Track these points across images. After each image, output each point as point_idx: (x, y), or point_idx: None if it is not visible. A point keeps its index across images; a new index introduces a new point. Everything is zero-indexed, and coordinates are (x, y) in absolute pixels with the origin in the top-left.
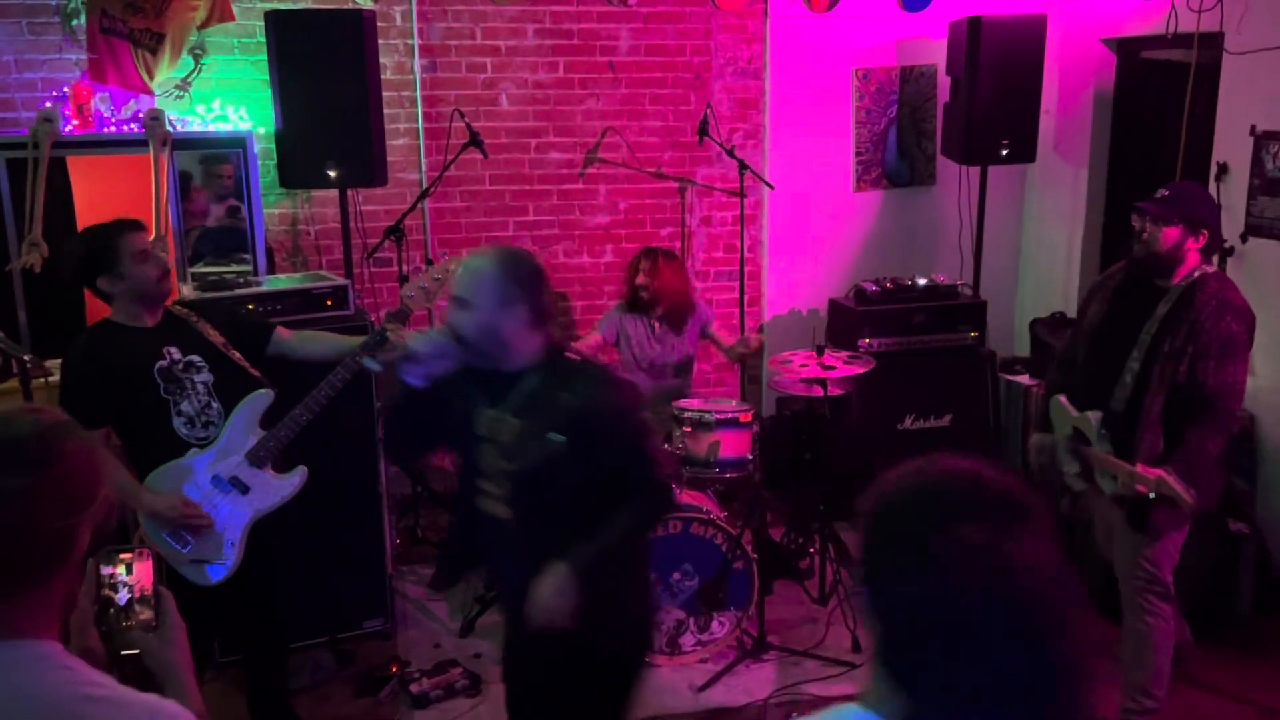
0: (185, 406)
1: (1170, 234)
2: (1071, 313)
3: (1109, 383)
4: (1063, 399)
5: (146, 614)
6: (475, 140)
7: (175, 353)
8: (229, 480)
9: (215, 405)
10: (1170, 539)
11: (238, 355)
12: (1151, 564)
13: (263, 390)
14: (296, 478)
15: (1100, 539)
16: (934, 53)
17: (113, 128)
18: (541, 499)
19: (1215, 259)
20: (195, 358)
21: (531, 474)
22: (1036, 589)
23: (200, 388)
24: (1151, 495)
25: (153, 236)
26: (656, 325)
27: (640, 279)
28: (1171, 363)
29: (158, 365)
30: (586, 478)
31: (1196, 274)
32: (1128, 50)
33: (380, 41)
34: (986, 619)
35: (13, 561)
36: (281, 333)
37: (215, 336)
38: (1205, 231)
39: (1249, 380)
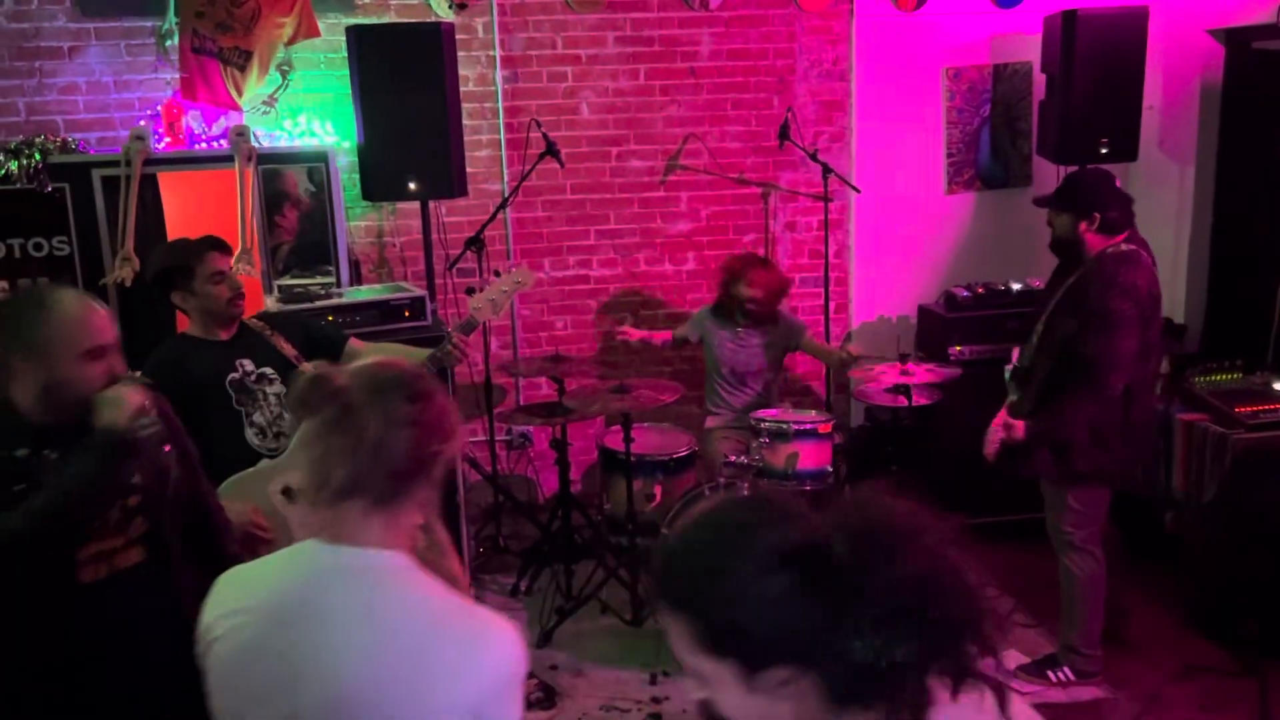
0: (258, 418)
1: (1063, 221)
2: (1179, 319)
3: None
4: (1014, 355)
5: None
6: (552, 150)
7: (248, 365)
8: (298, 492)
9: (288, 416)
10: (1080, 498)
11: (309, 367)
12: (1064, 521)
13: None
14: None
15: None
16: (1028, 49)
17: (204, 144)
18: None
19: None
20: (267, 370)
21: None
22: (915, 541)
23: (272, 399)
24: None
25: (238, 250)
26: (740, 331)
27: (753, 291)
28: (1059, 331)
29: (230, 378)
30: None
31: (1104, 251)
32: (1236, 41)
33: (462, 53)
34: (911, 585)
35: (401, 473)
36: (355, 344)
37: (288, 349)
38: (1095, 215)
39: None
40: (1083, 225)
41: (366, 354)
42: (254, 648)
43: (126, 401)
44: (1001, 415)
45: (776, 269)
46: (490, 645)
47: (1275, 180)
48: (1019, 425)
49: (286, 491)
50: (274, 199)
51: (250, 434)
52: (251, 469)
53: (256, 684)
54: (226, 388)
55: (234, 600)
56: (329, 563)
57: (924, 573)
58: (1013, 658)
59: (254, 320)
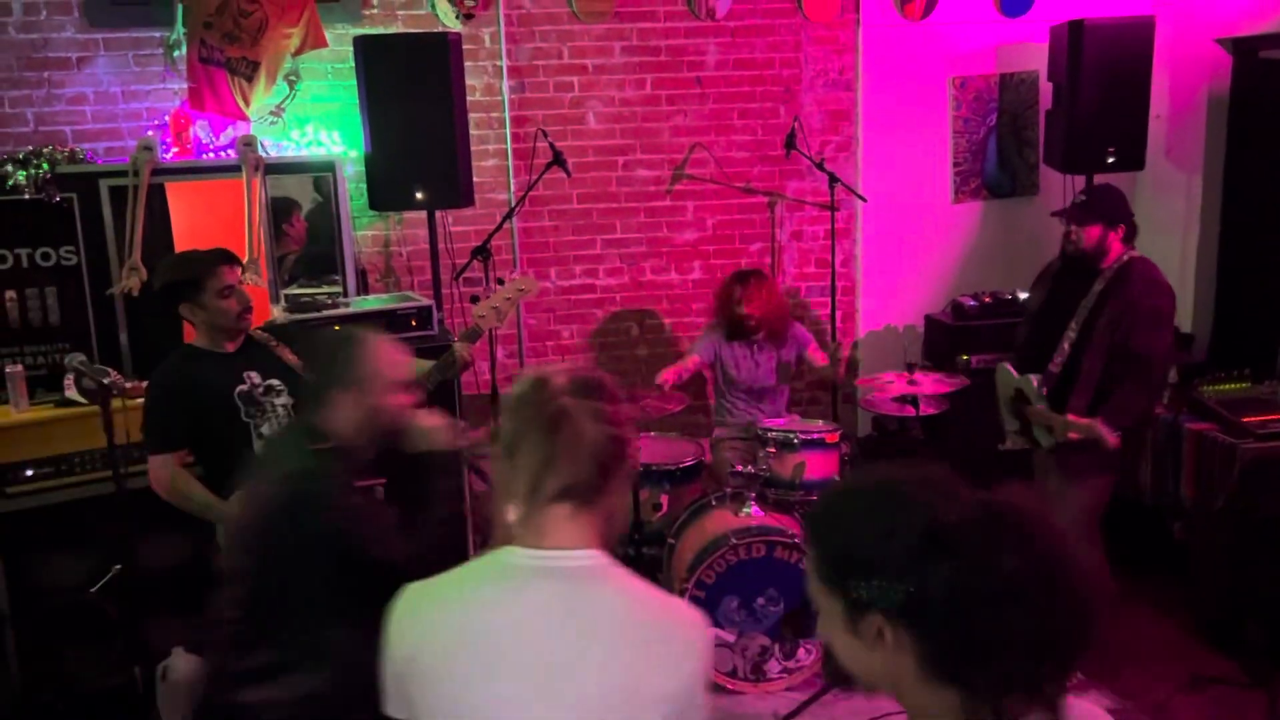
0: (266, 429)
1: (1092, 232)
2: (1186, 329)
3: (1048, 351)
4: (1007, 364)
5: None
6: (559, 160)
7: (255, 377)
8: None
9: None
10: (1100, 488)
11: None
12: (1085, 512)
13: None
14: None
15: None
16: (1035, 58)
17: (211, 154)
18: None
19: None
20: (275, 381)
21: None
22: (1042, 537)
23: (280, 410)
24: (1079, 439)
25: (246, 260)
26: (755, 348)
27: (745, 309)
28: (1108, 332)
29: (238, 390)
30: None
31: (1126, 258)
32: (1244, 50)
33: (469, 63)
34: (1021, 578)
35: (608, 473)
36: None
37: (294, 360)
38: (1122, 225)
39: None
40: (1112, 235)
41: None
42: (476, 675)
43: (443, 427)
44: (1075, 418)
45: (772, 284)
46: (691, 637)
47: None
48: (1100, 424)
49: None
50: (281, 208)
51: (258, 445)
52: None
53: (483, 707)
54: (235, 399)
55: (436, 627)
56: (540, 566)
57: (1041, 569)
58: None
59: (258, 332)
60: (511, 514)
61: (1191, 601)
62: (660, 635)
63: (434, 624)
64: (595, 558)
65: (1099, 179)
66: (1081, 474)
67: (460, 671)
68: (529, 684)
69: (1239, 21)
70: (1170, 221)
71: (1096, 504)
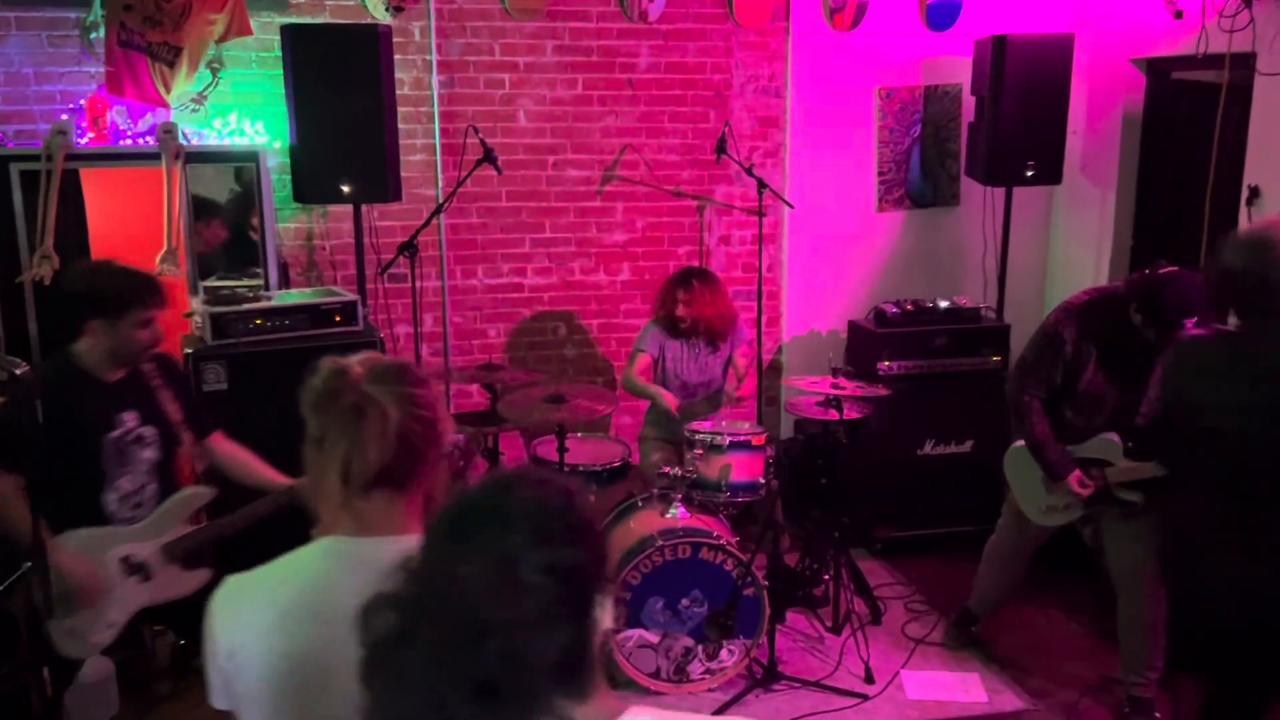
0: (125, 483)
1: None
2: None
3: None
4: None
5: None
6: (489, 156)
7: (130, 421)
8: (137, 565)
9: (153, 487)
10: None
11: (189, 438)
12: (1151, 552)
13: (203, 488)
14: (199, 576)
15: (1104, 536)
16: (959, 72)
17: (130, 141)
18: None
19: None
20: (147, 431)
21: None
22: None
23: (144, 465)
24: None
25: (164, 250)
26: (698, 346)
27: (680, 310)
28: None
29: (108, 436)
30: None
31: None
32: (1157, 70)
33: (398, 57)
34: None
35: (419, 457)
36: (217, 439)
37: (173, 410)
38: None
39: None
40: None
41: (223, 456)
42: (304, 663)
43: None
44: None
45: (718, 286)
46: None
47: (1191, 206)
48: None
49: (126, 561)
50: (201, 208)
51: (110, 497)
52: (103, 529)
53: (315, 695)
54: (101, 443)
55: (260, 618)
56: (355, 554)
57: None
58: (971, 682)
59: (147, 365)
60: (327, 505)
61: (1101, 603)
62: None
63: (255, 615)
64: (415, 542)
65: (1019, 191)
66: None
67: (284, 659)
68: (354, 668)
69: (1153, 43)
70: (1085, 235)
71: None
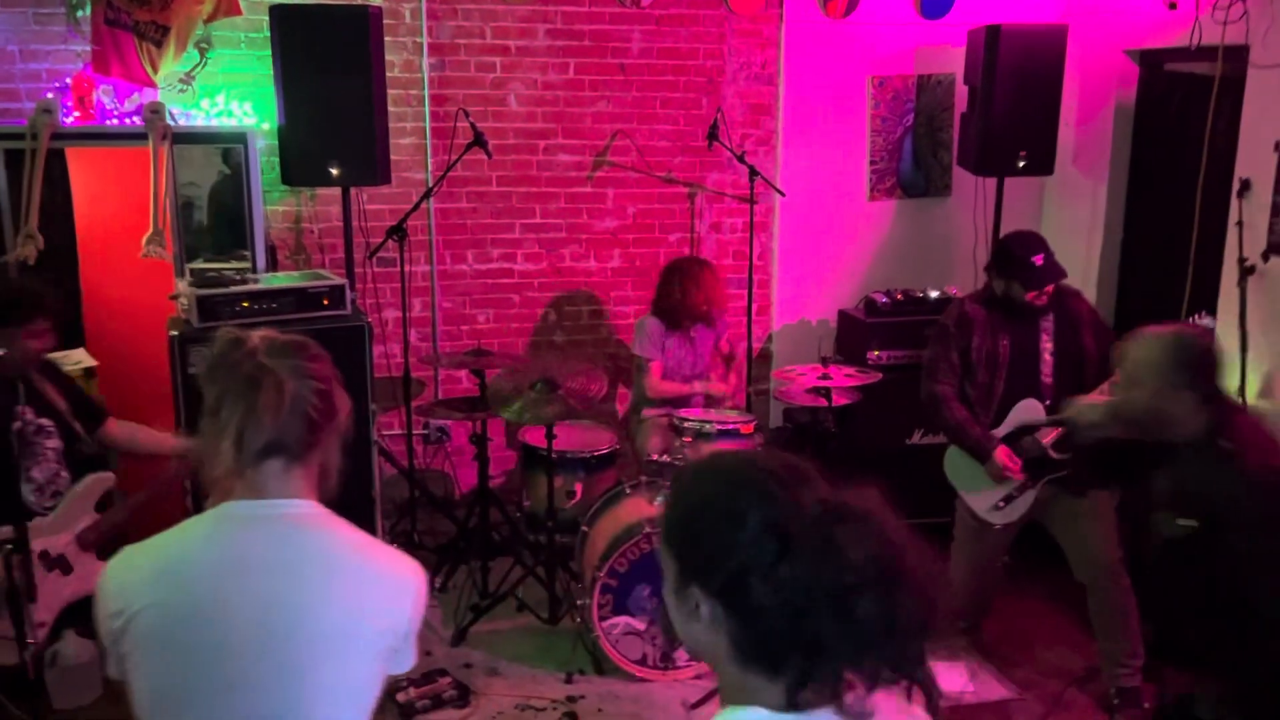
0: (36, 473)
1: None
2: None
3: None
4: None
5: None
6: (480, 140)
7: (30, 414)
8: (56, 558)
9: (65, 475)
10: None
11: (79, 428)
12: (1118, 538)
13: (105, 473)
14: None
15: (1060, 533)
16: (952, 61)
17: (116, 120)
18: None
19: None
20: (46, 422)
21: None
22: (882, 529)
23: (50, 454)
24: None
25: (150, 232)
26: (691, 336)
27: (698, 298)
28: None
29: (12, 428)
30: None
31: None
32: (1150, 62)
33: (388, 39)
34: (864, 573)
35: (315, 426)
36: (110, 425)
37: (60, 402)
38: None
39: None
40: None
41: (119, 436)
42: (191, 614)
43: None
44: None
45: (716, 271)
46: (406, 578)
47: (1183, 199)
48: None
49: (45, 556)
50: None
51: (27, 489)
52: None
53: (201, 648)
54: (9, 437)
55: (147, 575)
56: (255, 515)
57: (881, 567)
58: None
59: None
60: (221, 473)
61: (1085, 596)
62: (375, 575)
63: (148, 578)
64: (310, 506)
65: (1010, 182)
66: (1089, 481)
67: (163, 610)
68: (246, 622)
69: (1147, 34)
70: (1075, 226)
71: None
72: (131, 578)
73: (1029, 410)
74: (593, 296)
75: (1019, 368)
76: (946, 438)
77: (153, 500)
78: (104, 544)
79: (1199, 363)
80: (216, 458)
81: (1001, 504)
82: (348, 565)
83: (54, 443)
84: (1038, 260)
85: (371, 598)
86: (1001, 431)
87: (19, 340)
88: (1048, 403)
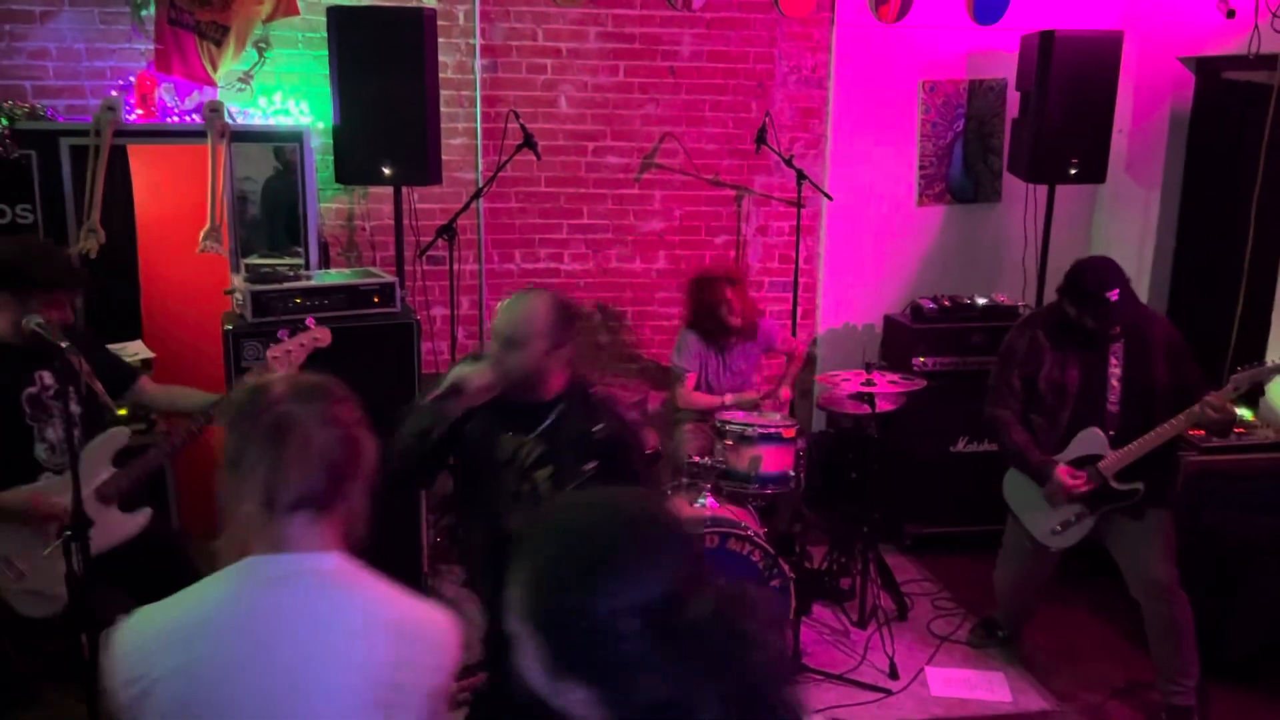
0: (50, 434)
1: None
2: None
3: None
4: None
5: None
6: (529, 142)
7: (47, 378)
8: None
9: (78, 435)
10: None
11: (100, 387)
12: (1174, 557)
13: (119, 429)
14: (140, 518)
15: (1116, 550)
16: (1004, 66)
17: (176, 118)
18: None
19: None
20: (67, 387)
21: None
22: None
23: (66, 416)
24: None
25: (208, 227)
26: (729, 350)
27: (732, 317)
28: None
29: (27, 392)
30: None
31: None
32: (1207, 70)
33: (442, 40)
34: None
35: (342, 477)
36: (144, 383)
37: (82, 364)
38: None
39: None
40: None
41: (157, 395)
42: (217, 680)
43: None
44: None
45: (745, 286)
46: (439, 635)
47: (1237, 209)
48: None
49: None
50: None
51: (40, 449)
52: (31, 484)
53: (228, 714)
54: (21, 402)
55: (168, 640)
56: (279, 571)
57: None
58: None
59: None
60: (243, 528)
61: (1131, 606)
62: (408, 633)
63: (169, 643)
64: (338, 560)
65: (1061, 189)
66: (1148, 500)
67: (201, 685)
68: (275, 685)
69: (1204, 42)
70: (1128, 235)
71: (1171, 519)
72: (149, 642)
73: (1091, 440)
74: (637, 298)
75: (1086, 397)
76: (1007, 461)
77: (171, 454)
78: (123, 496)
79: (573, 320)
80: (238, 512)
81: (1059, 528)
82: (379, 623)
83: (73, 406)
84: (1112, 296)
85: (405, 656)
86: (1063, 459)
87: (31, 309)
88: (1111, 433)
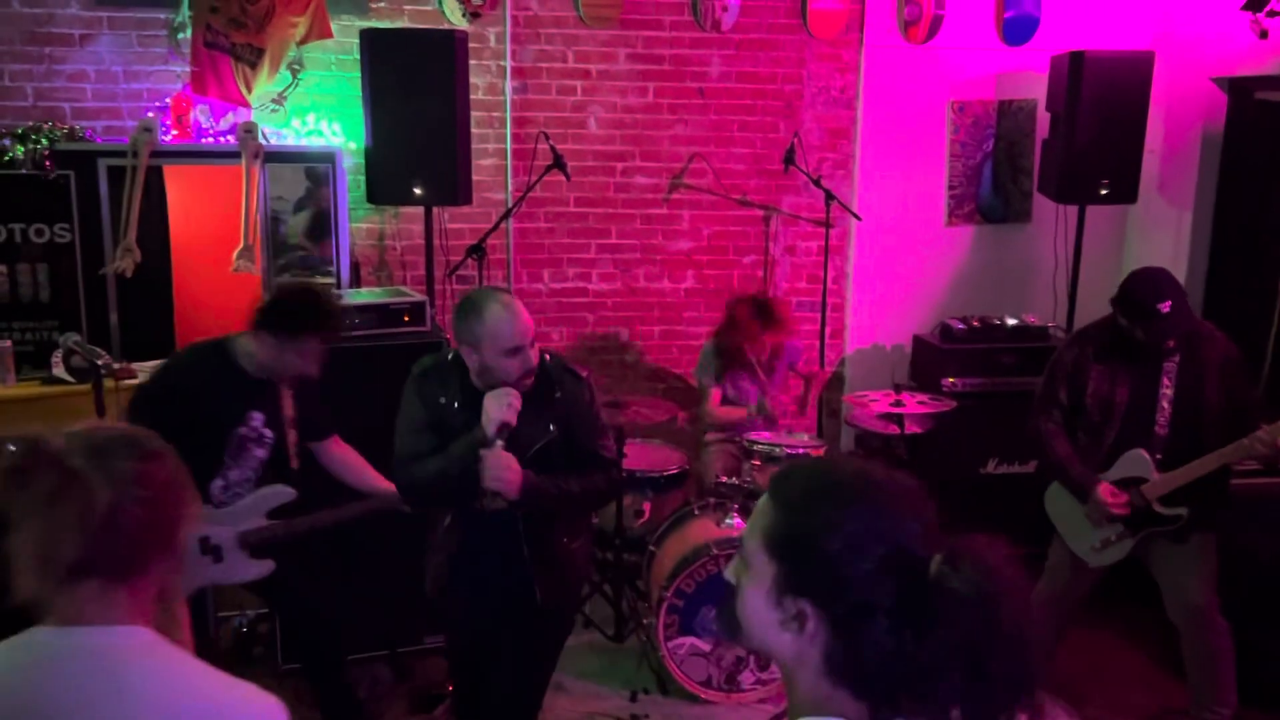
0: (234, 474)
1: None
2: None
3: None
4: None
5: None
6: (559, 163)
7: (257, 420)
8: (213, 546)
9: (253, 482)
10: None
11: (294, 437)
12: (1216, 583)
13: (286, 488)
14: (261, 568)
15: (1157, 572)
16: (1034, 87)
17: (211, 139)
18: None
19: None
20: (268, 433)
21: (531, 464)
22: (996, 592)
23: (253, 462)
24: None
25: (241, 247)
26: (759, 373)
27: (752, 353)
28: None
29: (238, 430)
30: (567, 459)
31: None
32: (1240, 90)
33: (473, 62)
34: (960, 628)
35: (139, 543)
36: (335, 443)
37: (289, 409)
38: None
39: None
40: None
41: (336, 458)
42: None
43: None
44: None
45: (782, 310)
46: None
47: (1270, 230)
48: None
49: (205, 541)
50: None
51: (216, 485)
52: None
53: None
54: (228, 436)
55: None
56: (62, 647)
57: (1007, 630)
58: None
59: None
60: (28, 593)
61: (1163, 631)
62: (219, 717)
63: None
64: (135, 635)
65: (1092, 210)
66: (1193, 524)
67: None
68: None
69: (1236, 62)
70: (1158, 256)
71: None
72: None
73: (1136, 462)
74: (665, 317)
75: (1134, 417)
76: (1049, 474)
77: (341, 521)
78: (260, 548)
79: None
80: (20, 581)
81: (1099, 545)
82: (177, 707)
83: (262, 453)
84: (1164, 308)
85: None
86: (1110, 478)
87: (288, 353)
88: (1158, 457)
